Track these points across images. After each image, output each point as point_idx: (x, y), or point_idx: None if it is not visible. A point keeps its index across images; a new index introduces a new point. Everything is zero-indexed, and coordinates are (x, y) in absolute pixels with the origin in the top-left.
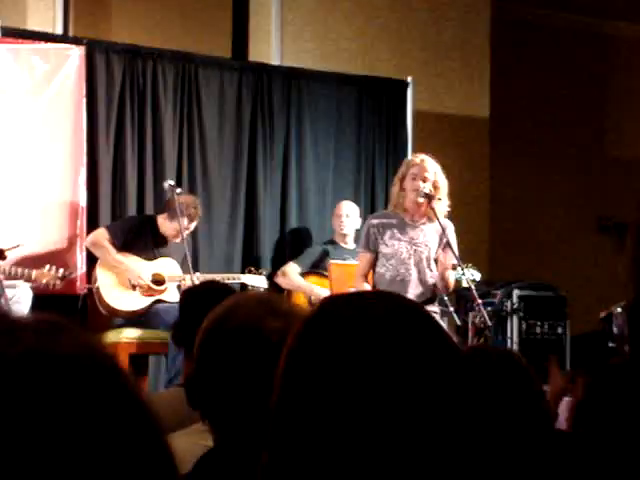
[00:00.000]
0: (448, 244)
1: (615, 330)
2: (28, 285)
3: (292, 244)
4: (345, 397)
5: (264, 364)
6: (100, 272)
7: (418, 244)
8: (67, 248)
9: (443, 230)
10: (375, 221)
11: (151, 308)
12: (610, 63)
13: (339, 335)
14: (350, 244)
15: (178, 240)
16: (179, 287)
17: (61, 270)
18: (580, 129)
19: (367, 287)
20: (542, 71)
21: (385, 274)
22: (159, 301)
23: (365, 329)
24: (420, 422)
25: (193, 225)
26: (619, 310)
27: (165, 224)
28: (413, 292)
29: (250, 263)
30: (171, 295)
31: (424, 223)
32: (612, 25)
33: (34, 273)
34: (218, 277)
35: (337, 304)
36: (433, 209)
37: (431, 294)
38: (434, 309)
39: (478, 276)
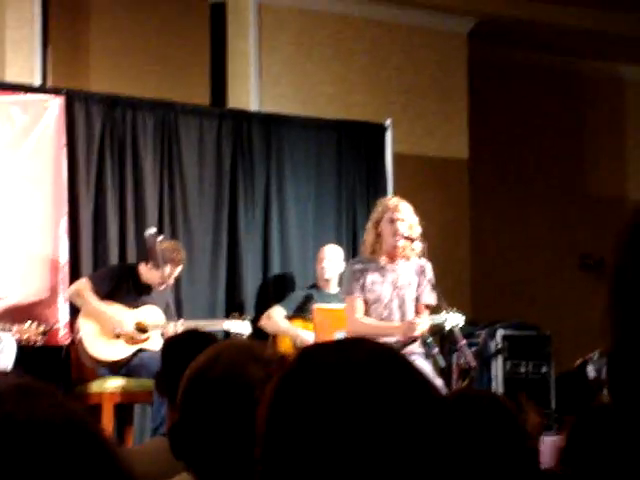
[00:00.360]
0: (429, 284)
1: (591, 374)
2: (12, 336)
3: (275, 289)
4: (329, 445)
5: (247, 412)
6: (83, 322)
7: (400, 286)
8: (49, 299)
9: (422, 270)
10: (358, 266)
11: (135, 357)
12: (587, 102)
13: (321, 383)
14: (333, 289)
15: (163, 288)
16: (163, 335)
17: (42, 326)
18: (559, 168)
19: (369, 320)
20: (520, 110)
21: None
22: (142, 350)
23: (348, 376)
24: (404, 467)
25: (178, 270)
26: (596, 355)
27: (149, 273)
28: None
29: (233, 309)
30: (155, 343)
31: (402, 264)
32: (588, 64)
33: (15, 328)
34: (201, 324)
35: (318, 352)
36: (412, 250)
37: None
38: (417, 350)
39: (462, 321)
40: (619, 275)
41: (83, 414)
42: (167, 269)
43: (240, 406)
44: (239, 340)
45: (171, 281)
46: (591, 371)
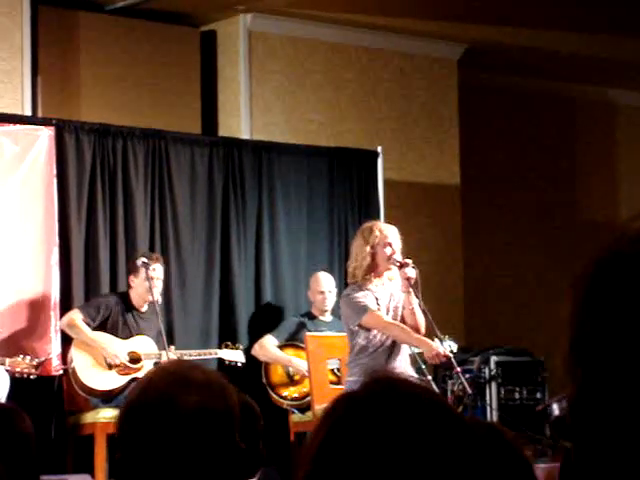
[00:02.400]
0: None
1: (556, 412)
2: (4, 369)
3: (268, 317)
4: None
5: (181, 439)
6: (75, 352)
7: (392, 308)
8: (41, 331)
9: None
10: (357, 292)
11: (128, 387)
12: (578, 127)
13: (371, 430)
14: (327, 317)
15: (151, 298)
16: (156, 364)
17: (36, 360)
18: (551, 193)
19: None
20: (511, 136)
21: (368, 345)
22: (136, 379)
23: (397, 423)
24: None
25: (159, 268)
26: (558, 398)
27: (135, 287)
28: (394, 357)
29: (226, 336)
30: None
31: (389, 284)
32: (579, 89)
33: (7, 361)
34: (194, 353)
35: (366, 397)
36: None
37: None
38: (412, 376)
39: (455, 347)
40: (582, 320)
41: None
42: (144, 272)
43: (173, 435)
44: (172, 365)
45: (159, 283)
46: (556, 409)
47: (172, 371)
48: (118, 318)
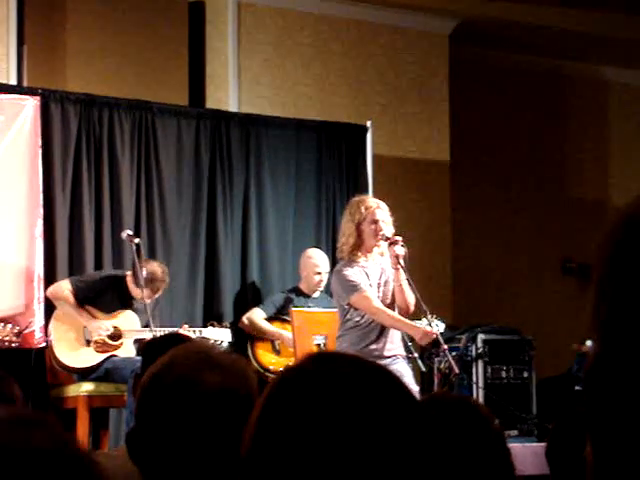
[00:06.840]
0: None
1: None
2: None
3: (254, 293)
4: (314, 454)
5: (202, 418)
6: (54, 326)
7: (382, 284)
8: (24, 303)
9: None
10: (348, 270)
11: (104, 363)
12: (569, 104)
13: (308, 396)
14: (316, 293)
15: (145, 301)
16: (136, 341)
17: (17, 328)
18: (541, 171)
19: (391, 312)
20: (502, 112)
21: (360, 322)
22: (113, 356)
23: (333, 389)
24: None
25: (156, 295)
26: (588, 344)
27: (131, 286)
28: (386, 334)
29: (212, 314)
30: (126, 350)
31: (379, 259)
32: (570, 66)
33: None
34: (180, 331)
35: (303, 368)
36: (397, 255)
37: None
38: (401, 353)
39: (442, 327)
40: (604, 278)
41: (77, 445)
42: (146, 292)
43: (194, 412)
44: (197, 344)
45: (148, 301)
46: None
47: (197, 350)
48: (109, 299)
